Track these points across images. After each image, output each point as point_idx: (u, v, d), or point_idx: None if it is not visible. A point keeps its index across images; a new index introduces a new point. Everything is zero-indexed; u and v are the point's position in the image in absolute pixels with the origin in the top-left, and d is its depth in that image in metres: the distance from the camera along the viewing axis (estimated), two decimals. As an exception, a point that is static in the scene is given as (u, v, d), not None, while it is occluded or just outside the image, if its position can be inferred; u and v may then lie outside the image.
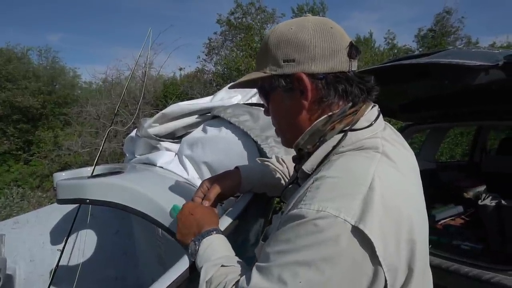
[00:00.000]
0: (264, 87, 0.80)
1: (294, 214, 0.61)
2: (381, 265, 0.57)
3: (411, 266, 0.61)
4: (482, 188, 3.10)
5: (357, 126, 0.72)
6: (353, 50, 0.73)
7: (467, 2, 24.08)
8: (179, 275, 0.86)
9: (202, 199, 1.00)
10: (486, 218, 2.56)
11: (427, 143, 3.80)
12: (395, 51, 11.90)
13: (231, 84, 0.89)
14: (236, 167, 1.10)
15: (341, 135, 0.71)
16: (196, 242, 0.84)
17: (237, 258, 0.81)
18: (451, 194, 3.14)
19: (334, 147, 0.71)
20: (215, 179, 1.05)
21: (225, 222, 1.03)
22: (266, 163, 1.17)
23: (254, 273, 0.64)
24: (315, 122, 0.74)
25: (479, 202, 2.67)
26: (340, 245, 0.56)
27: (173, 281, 0.85)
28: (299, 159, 0.81)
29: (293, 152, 0.85)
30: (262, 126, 1.49)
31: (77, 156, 10.88)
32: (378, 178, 0.61)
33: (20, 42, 19.43)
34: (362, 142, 0.70)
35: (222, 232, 0.90)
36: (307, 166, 0.74)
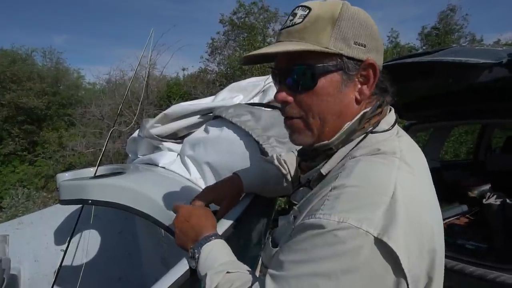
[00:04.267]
0: (316, 65, 0.66)
1: (312, 223, 0.58)
2: (405, 277, 0.55)
3: (431, 275, 0.60)
4: (486, 187, 3.08)
5: (377, 128, 0.69)
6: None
7: (471, -1, 23.91)
8: (181, 275, 0.86)
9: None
10: (491, 217, 2.55)
11: (431, 142, 3.78)
12: (399, 49, 11.83)
13: (259, 51, 0.69)
14: (237, 174, 1.08)
15: (361, 137, 0.69)
16: (196, 250, 0.79)
17: (239, 263, 0.77)
18: (455, 193, 3.12)
19: (352, 149, 0.68)
20: (216, 191, 1.04)
21: (227, 222, 1.03)
22: (268, 163, 1.14)
23: (269, 283, 0.61)
24: (353, 121, 0.69)
25: (484, 201, 2.65)
26: (361, 257, 0.53)
27: (174, 281, 0.85)
28: (311, 157, 0.75)
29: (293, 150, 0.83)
30: (264, 126, 1.49)
31: (82, 157, 10.95)
32: (400, 187, 0.58)
33: (24, 44, 19.63)
34: (380, 144, 0.67)
35: (222, 235, 0.86)
36: (326, 169, 0.70)
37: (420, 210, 0.59)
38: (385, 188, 0.58)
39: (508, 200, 2.52)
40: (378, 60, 0.69)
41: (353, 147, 0.68)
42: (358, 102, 0.69)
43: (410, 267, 0.55)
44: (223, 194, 1.03)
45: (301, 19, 0.67)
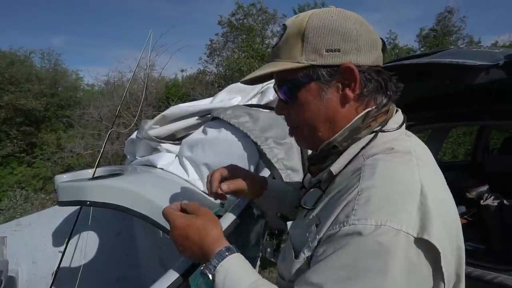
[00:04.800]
0: (294, 79, 0.70)
1: (347, 232, 0.53)
2: (443, 276, 0.54)
3: (459, 272, 0.59)
4: (484, 188, 3.08)
5: (386, 127, 0.69)
6: (384, 45, 0.72)
7: (469, 1, 24.02)
8: (179, 276, 0.86)
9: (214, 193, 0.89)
10: (489, 218, 2.55)
11: (429, 143, 3.78)
12: (397, 51, 11.88)
13: (245, 79, 0.76)
14: (263, 176, 1.02)
15: (371, 135, 0.68)
16: (209, 273, 0.67)
17: (264, 282, 0.66)
18: (453, 194, 3.12)
19: (363, 148, 0.67)
20: (237, 172, 0.93)
21: (226, 221, 1.03)
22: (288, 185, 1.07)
23: None
24: (356, 118, 0.68)
25: (482, 202, 2.66)
26: (408, 261, 0.51)
27: (172, 282, 0.85)
28: (321, 159, 0.73)
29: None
30: (262, 127, 1.49)
31: (80, 158, 10.93)
32: (426, 184, 0.58)
33: (23, 45, 19.61)
34: (392, 143, 0.66)
35: (232, 244, 0.73)
36: (336, 167, 0.68)
37: (445, 206, 0.59)
38: (413, 186, 0.57)
39: (505, 201, 2.53)
40: (362, 59, 0.67)
41: (364, 146, 0.67)
42: (344, 105, 0.69)
43: (447, 266, 0.54)
44: (242, 178, 0.92)
45: (279, 39, 0.73)
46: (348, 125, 0.69)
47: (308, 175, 0.86)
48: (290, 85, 0.71)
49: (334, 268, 0.53)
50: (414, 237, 0.51)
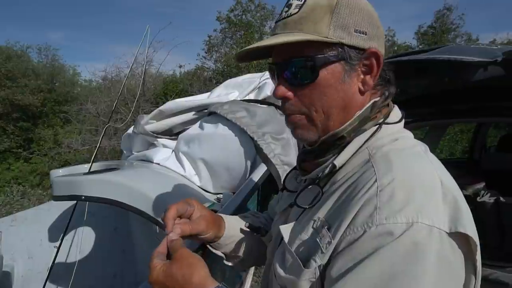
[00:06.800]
0: (316, 56, 0.61)
1: (375, 234, 0.49)
2: (475, 270, 0.51)
3: (479, 269, 0.54)
4: (481, 185, 3.09)
5: (388, 120, 0.66)
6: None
7: (467, -1, 24.02)
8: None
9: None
10: (485, 215, 2.56)
11: (426, 140, 3.79)
12: (395, 48, 11.88)
13: (250, 46, 0.65)
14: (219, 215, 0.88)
15: (375, 127, 0.64)
16: None
17: None
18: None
19: (367, 140, 0.63)
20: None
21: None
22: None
23: None
24: (365, 108, 0.64)
25: (478, 199, 2.66)
26: (446, 260, 0.48)
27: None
28: (320, 153, 0.67)
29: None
30: (259, 123, 1.49)
31: (77, 154, 10.91)
32: (442, 176, 0.55)
33: (19, 40, 19.51)
34: (396, 136, 0.64)
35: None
36: (340, 161, 0.62)
37: (462, 196, 0.56)
38: (433, 177, 0.54)
39: (501, 198, 2.54)
40: (381, 48, 0.64)
41: (368, 138, 0.62)
42: (362, 93, 0.64)
43: (478, 260, 0.52)
44: (200, 218, 0.80)
45: (297, 9, 0.62)
46: (358, 114, 0.64)
47: (292, 174, 0.81)
48: (311, 61, 0.61)
49: (367, 278, 0.48)
50: (447, 232, 0.49)
